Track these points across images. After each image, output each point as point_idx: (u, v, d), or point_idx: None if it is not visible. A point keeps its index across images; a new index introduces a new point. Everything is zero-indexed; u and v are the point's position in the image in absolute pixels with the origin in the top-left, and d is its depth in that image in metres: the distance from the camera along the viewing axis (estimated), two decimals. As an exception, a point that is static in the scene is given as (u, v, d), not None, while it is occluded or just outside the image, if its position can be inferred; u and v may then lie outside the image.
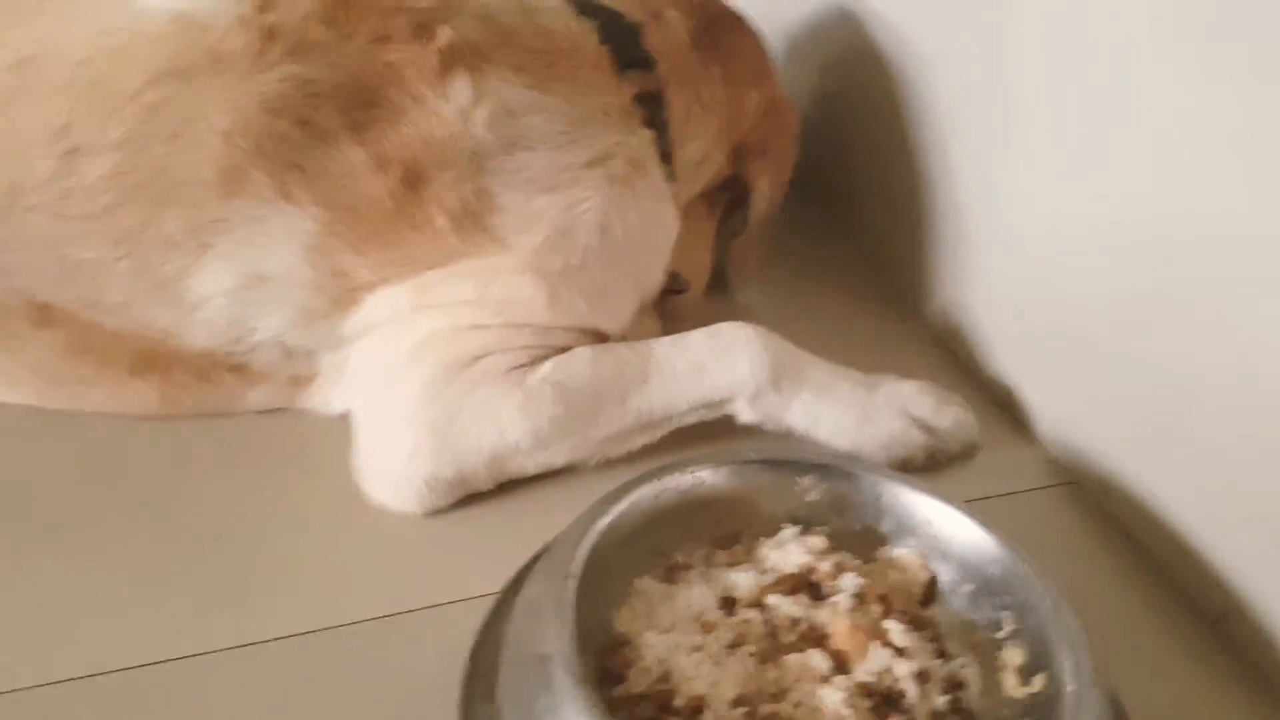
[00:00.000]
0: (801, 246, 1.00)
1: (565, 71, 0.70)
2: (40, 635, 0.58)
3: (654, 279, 0.79)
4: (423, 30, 0.66)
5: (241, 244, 0.65)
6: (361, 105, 0.65)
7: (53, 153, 0.63)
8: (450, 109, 0.66)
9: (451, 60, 0.66)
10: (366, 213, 0.66)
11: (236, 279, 0.66)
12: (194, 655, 0.57)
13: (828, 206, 1.05)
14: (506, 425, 0.67)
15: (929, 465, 0.73)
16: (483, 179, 0.67)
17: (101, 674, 0.56)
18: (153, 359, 0.69)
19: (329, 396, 0.73)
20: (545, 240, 0.69)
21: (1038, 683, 0.53)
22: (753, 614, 0.56)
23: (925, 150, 0.89)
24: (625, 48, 0.74)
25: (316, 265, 0.67)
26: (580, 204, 0.70)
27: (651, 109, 0.75)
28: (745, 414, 0.72)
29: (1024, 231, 0.78)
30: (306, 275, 0.67)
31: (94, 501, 0.67)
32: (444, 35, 0.66)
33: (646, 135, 0.74)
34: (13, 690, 0.55)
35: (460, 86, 0.66)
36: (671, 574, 0.60)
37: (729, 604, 0.57)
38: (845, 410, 0.72)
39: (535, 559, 0.62)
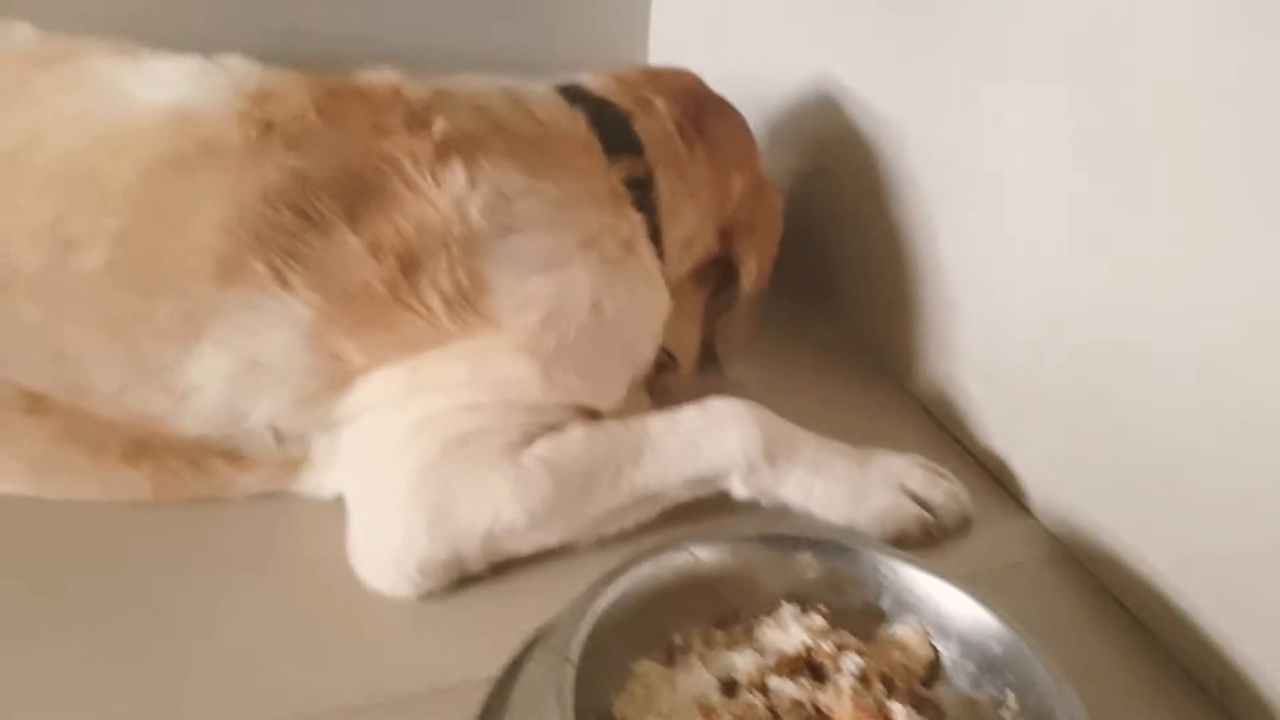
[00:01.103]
0: (788, 323, 1.01)
1: (556, 157, 0.72)
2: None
3: (645, 357, 0.79)
4: (417, 121, 0.68)
5: (236, 331, 0.65)
6: (358, 195, 0.66)
7: (46, 243, 0.63)
8: (445, 197, 0.67)
9: (446, 150, 0.67)
10: (362, 299, 0.66)
11: (231, 366, 0.66)
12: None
13: (814, 283, 1.06)
14: (500, 506, 0.66)
15: (923, 540, 0.73)
16: (476, 262, 0.68)
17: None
18: (145, 447, 0.69)
19: (321, 480, 0.73)
20: (539, 320, 0.70)
21: (1042, 762, 0.53)
22: (754, 698, 0.55)
23: (908, 226, 0.90)
24: (614, 134, 0.76)
25: (312, 350, 0.67)
26: (573, 285, 0.71)
27: (641, 192, 0.76)
28: (739, 490, 0.72)
29: (1008, 304, 0.80)
30: (302, 361, 0.67)
31: (81, 590, 0.65)
32: (439, 126, 0.68)
33: (636, 218, 0.76)
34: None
35: (455, 174, 0.67)
36: (671, 656, 0.59)
37: (730, 687, 0.56)
38: (839, 485, 0.72)
39: (531, 643, 0.61)
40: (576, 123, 0.75)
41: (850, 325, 1.02)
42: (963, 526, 0.75)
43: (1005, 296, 0.80)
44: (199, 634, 0.63)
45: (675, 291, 0.81)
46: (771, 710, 0.54)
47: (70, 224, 0.63)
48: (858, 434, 0.76)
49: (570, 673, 0.51)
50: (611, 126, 0.76)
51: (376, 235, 0.66)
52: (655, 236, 0.77)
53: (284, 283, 0.65)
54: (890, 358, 0.95)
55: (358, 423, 0.70)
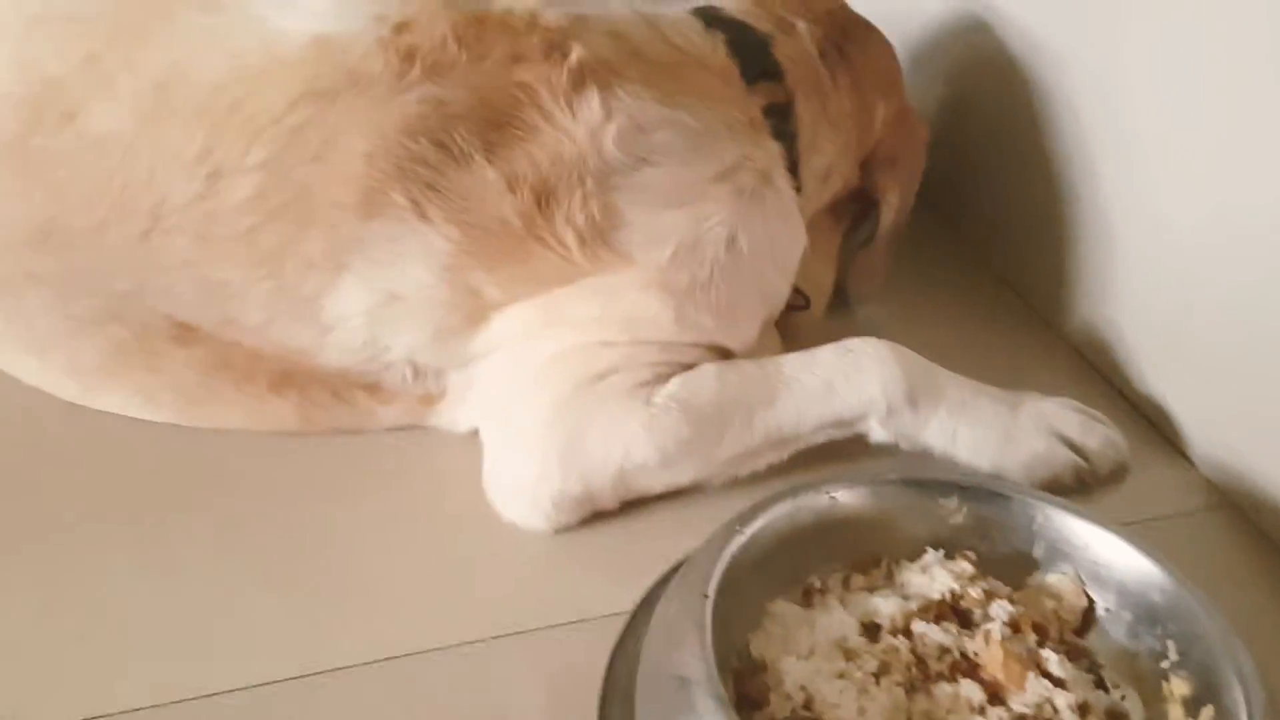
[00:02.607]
0: (928, 261, 0.97)
1: (693, 85, 0.70)
2: (173, 650, 0.59)
3: (780, 295, 0.77)
4: (554, 49, 0.66)
5: (378, 264, 0.66)
6: (495, 125, 0.65)
7: (195, 175, 0.64)
8: (581, 127, 0.66)
9: (583, 78, 0.66)
10: (498, 232, 0.66)
11: (372, 299, 0.67)
12: (324, 671, 0.58)
13: (957, 219, 1.02)
14: (633, 444, 0.66)
15: (1076, 487, 0.70)
16: (610, 195, 0.67)
17: (237, 690, 0.57)
18: (291, 377, 0.70)
19: (456, 415, 0.73)
20: (672, 256, 0.68)
21: (1206, 716, 0.50)
22: (899, 641, 0.54)
23: (1063, 158, 0.85)
24: (753, 59, 0.73)
25: (450, 284, 0.67)
26: (708, 219, 0.69)
27: (779, 121, 0.74)
28: (878, 433, 0.69)
29: (1175, 241, 0.75)
30: (440, 294, 0.67)
31: (229, 518, 0.68)
32: (575, 53, 0.66)
33: (774, 148, 0.73)
34: (147, 707, 0.56)
35: (591, 104, 0.66)
36: (808, 598, 0.58)
37: (872, 630, 0.55)
38: (986, 429, 0.69)
39: (664, 578, 0.61)
40: (715, 48, 0.72)
41: (996, 263, 0.98)
42: (1118, 474, 0.71)
43: (1170, 232, 0.75)
44: (337, 563, 0.65)
45: (810, 226, 0.79)
46: (916, 655, 0.53)
47: (217, 155, 0.64)
48: (1004, 378, 0.73)
49: (708, 608, 0.51)
50: (751, 51, 0.73)
51: (513, 167, 0.65)
52: (793, 167, 0.75)
53: (423, 215, 0.65)
54: (1040, 298, 0.91)
55: (492, 358, 0.71)
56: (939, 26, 1.00)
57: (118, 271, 0.67)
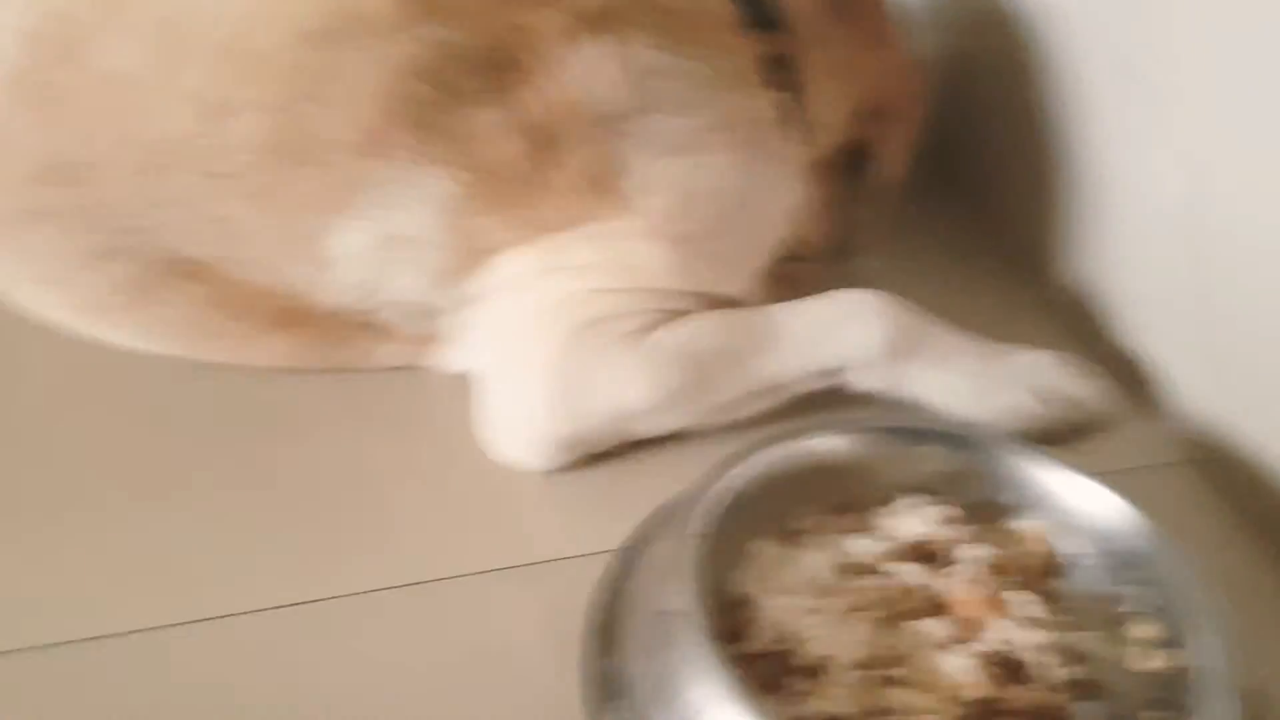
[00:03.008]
0: (925, 213, 0.97)
1: (696, 32, 0.70)
2: (172, 576, 0.61)
3: (775, 244, 0.78)
4: None
5: (378, 205, 0.66)
6: (498, 67, 0.65)
7: (201, 112, 0.64)
8: (584, 72, 0.66)
9: (587, 21, 0.66)
10: (500, 175, 0.66)
11: (372, 239, 0.67)
12: (316, 601, 0.60)
13: (953, 172, 1.02)
14: (627, 389, 0.68)
15: (1053, 438, 0.71)
16: (612, 142, 0.67)
17: (233, 615, 0.59)
18: (290, 314, 0.72)
19: (453, 355, 0.75)
20: (671, 204, 0.69)
21: (1167, 659, 0.52)
22: (871, 581, 0.56)
23: (1059, 113, 0.86)
24: (756, 7, 0.73)
25: (450, 227, 0.67)
26: (707, 169, 0.69)
27: (780, 70, 0.73)
28: (862, 382, 0.71)
29: (1160, 201, 0.75)
30: (440, 237, 0.68)
31: (230, 451, 0.69)
32: None
33: (774, 98, 0.73)
34: (141, 630, 0.58)
35: (594, 48, 0.66)
36: (788, 539, 0.60)
37: (847, 570, 0.57)
38: (967, 380, 0.70)
39: (652, 518, 0.63)
40: None
41: (989, 217, 0.98)
42: (1098, 426, 0.73)
43: (1158, 192, 0.75)
44: (334, 497, 0.67)
45: (808, 176, 0.79)
46: (888, 594, 0.55)
47: (224, 93, 0.64)
48: (990, 328, 0.74)
49: (695, 546, 0.53)
50: (752, -1, 0.74)
51: (516, 110, 0.65)
52: (792, 117, 0.75)
53: (425, 157, 0.65)
54: (1028, 251, 0.92)
55: (489, 301, 0.72)
56: (940, -22, 1.00)
57: (124, 206, 0.68)
